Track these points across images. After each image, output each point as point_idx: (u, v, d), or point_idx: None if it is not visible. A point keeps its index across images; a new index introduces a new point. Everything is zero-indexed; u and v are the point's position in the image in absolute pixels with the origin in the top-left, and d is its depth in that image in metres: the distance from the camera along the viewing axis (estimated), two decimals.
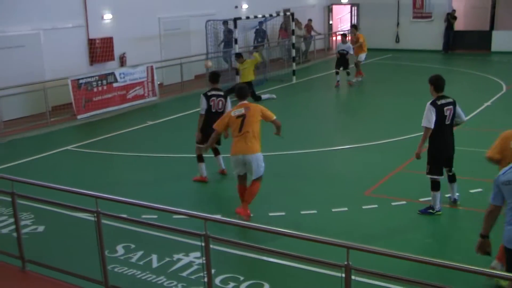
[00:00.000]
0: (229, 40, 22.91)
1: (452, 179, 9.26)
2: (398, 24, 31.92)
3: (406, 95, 19.00)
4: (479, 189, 9.90)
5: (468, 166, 10.97)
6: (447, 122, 8.78)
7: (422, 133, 8.73)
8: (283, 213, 9.14)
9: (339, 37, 28.01)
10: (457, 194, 9.32)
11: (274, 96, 19.08)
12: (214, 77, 10.97)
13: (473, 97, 18.31)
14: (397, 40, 31.91)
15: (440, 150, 8.92)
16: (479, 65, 26.00)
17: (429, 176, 8.93)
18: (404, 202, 9.44)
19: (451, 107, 8.78)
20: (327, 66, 27.10)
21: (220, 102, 10.68)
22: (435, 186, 8.92)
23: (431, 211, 8.94)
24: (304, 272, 6.97)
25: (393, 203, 9.41)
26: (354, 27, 21.91)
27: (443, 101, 8.74)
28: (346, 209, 9.25)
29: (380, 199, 9.62)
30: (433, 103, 8.68)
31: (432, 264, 4.86)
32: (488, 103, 17.13)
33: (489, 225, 5.57)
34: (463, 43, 30.41)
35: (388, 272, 5.10)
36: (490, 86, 20.26)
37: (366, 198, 9.68)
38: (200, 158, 10.91)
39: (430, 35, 30.69)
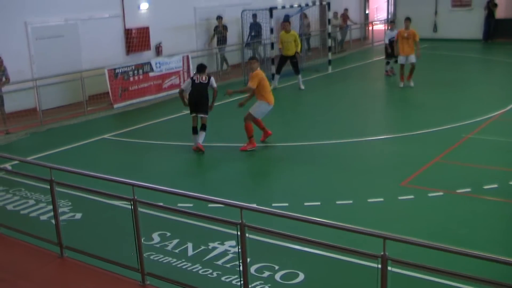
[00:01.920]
0: (223, 36, 22.11)
1: None
2: (436, 12, 31.44)
3: (444, 85, 18.66)
4: None
5: (508, 158, 10.85)
6: None
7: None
8: (319, 203, 9.09)
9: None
10: None
11: (303, 87, 18.94)
12: (199, 68, 12.49)
13: None
14: (435, 29, 31.43)
15: None
16: None
17: None
18: (441, 193, 9.30)
19: None
20: (363, 56, 26.92)
21: (204, 76, 12.27)
22: None
23: None
24: (339, 262, 6.94)
25: (430, 194, 9.28)
26: (408, 19, 18.86)
27: None
28: (382, 199, 9.16)
29: (417, 190, 9.50)
30: None
31: (467, 255, 4.77)
32: None
33: None
34: (505, 31, 29.59)
35: (425, 263, 5.03)
36: None
37: (402, 189, 9.57)
38: (194, 130, 12.35)
39: (469, 24, 30.12)
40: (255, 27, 22.70)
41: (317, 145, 12.39)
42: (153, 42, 19.86)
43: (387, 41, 20.29)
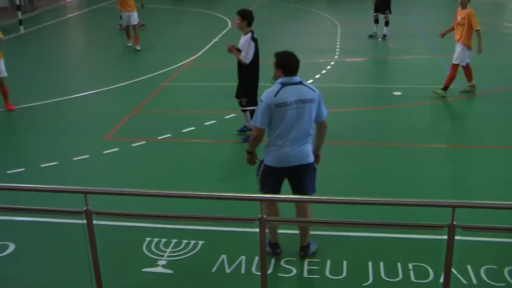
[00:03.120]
0: None
1: None
2: None
3: (139, 36, 19.14)
4: (213, 121, 10.56)
5: (200, 100, 11.68)
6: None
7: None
8: (23, 169, 8.83)
9: None
10: None
11: None
12: None
13: (202, 34, 19.13)
14: None
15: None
16: (206, 4, 26.99)
17: None
18: (143, 142, 9.72)
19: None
20: (58, 13, 26.12)
21: None
22: None
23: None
24: (46, 224, 6.92)
25: (133, 145, 9.63)
26: None
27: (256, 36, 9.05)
28: (87, 156, 9.23)
29: (120, 142, 9.77)
30: (253, 38, 8.95)
31: (169, 196, 5.16)
32: (216, 39, 18.03)
33: (256, 145, 6.01)
34: None
35: (129, 211, 5.33)
36: (217, 24, 21.27)
37: (106, 143, 9.75)
38: None
39: None
40: None
41: (18, 109, 11.84)
42: None
43: None
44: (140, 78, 13.67)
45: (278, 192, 5.96)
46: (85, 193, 5.05)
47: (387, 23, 17.79)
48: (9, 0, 24.87)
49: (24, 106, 12.03)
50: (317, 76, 13.58)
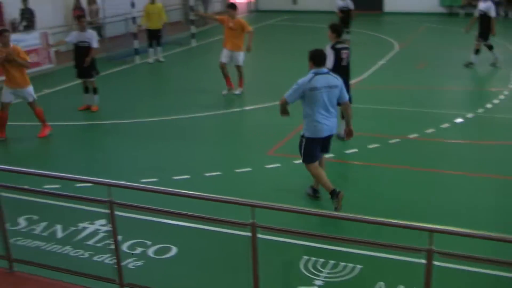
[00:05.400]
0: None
1: None
2: None
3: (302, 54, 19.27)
4: (376, 145, 10.32)
5: (365, 122, 11.44)
6: (343, 64, 9.87)
7: None
8: (188, 176, 9.16)
9: None
10: None
11: (162, 59, 19.21)
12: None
13: (368, 56, 18.88)
14: (294, 1, 32.13)
15: None
16: (373, 25, 26.73)
17: None
18: None
19: (347, 51, 9.94)
20: None
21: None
22: None
23: None
24: (211, 233, 7.07)
25: (295, 161, 9.63)
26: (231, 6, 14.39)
27: (340, 46, 9.80)
28: (249, 169, 9.39)
29: (283, 158, 9.83)
30: (332, 47, 9.70)
31: (336, 218, 5.07)
32: (383, 61, 17.73)
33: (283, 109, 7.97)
34: (357, 4, 30.95)
35: (292, 228, 5.29)
36: (383, 46, 20.95)
37: (269, 158, 9.87)
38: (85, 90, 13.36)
39: None
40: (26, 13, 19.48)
41: (181, 118, 12.39)
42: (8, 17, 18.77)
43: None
44: None
45: (319, 157, 7.94)
46: (253, 206, 5.10)
47: (477, 51, 16.68)
48: (184, 15, 26.23)
49: (193, 115, 12.52)
50: (488, 105, 12.86)
